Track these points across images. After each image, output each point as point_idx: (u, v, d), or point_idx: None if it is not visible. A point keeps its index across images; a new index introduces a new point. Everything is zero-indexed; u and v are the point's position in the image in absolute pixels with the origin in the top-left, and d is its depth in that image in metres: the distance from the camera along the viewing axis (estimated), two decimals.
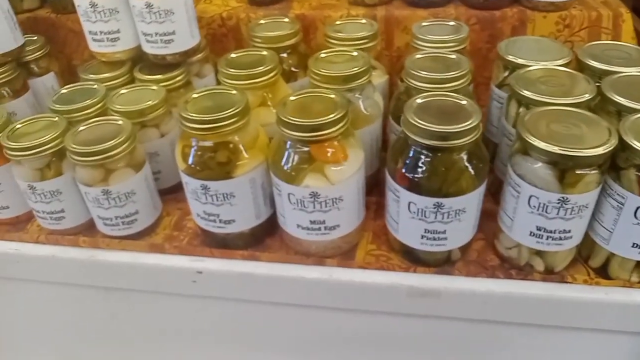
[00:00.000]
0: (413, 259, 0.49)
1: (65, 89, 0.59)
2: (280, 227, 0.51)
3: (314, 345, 0.57)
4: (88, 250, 0.54)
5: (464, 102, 0.44)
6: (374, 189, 0.57)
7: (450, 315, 0.49)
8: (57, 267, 0.55)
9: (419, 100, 0.45)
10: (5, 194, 0.55)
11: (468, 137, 0.41)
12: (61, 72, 0.74)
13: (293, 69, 0.62)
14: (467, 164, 0.43)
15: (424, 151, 0.43)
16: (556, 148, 0.39)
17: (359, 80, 0.50)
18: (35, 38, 0.71)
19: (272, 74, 0.52)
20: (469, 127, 0.41)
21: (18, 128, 0.52)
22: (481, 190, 0.44)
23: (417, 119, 0.42)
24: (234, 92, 0.49)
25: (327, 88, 0.48)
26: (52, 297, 0.59)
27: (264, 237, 0.53)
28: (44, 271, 0.56)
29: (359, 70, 0.50)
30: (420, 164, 0.43)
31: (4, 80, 0.64)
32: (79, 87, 0.60)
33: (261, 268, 0.50)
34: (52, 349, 0.67)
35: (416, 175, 0.43)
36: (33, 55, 0.69)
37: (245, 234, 0.51)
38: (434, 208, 0.44)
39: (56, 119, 0.53)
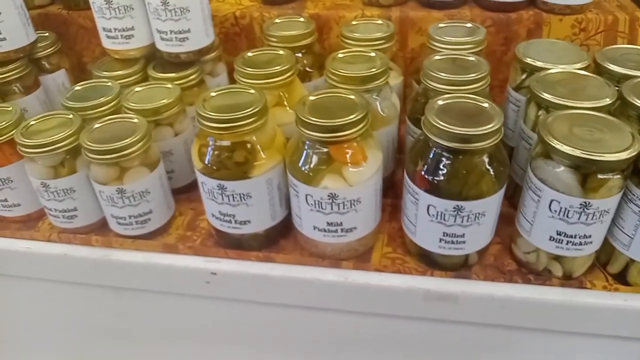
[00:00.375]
0: (429, 263, 0.49)
1: (79, 86, 0.59)
2: (295, 228, 0.51)
3: (328, 348, 0.57)
4: (101, 249, 0.53)
5: (485, 105, 0.44)
6: (388, 191, 0.57)
7: (467, 319, 0.49)
8: (69, 267, 0.54)
9: (440, 102, 0.44)
10: (17, 192, 0.55)
11: (490, 140, 0.41)
12: (72, 69, 0.74)
13: (308, 69, 0.62)
14: (488, 166, 0.42)
15: (444, 153, 0.42)
16: (580, 152, 0.39)
17: (377, 81, 0.50)
18: (47, 34, 0.70)
19: (289, 74, 0.52)
20: (491, 129, 0.40)
21: (32, 125, 0.52)
22: (501, 193, 0.44)
23: (438, 121, 0.41)
24: (252, 91, 0.48)
25: (344, 88, 0.48)
26: (63, 297, 0.59)
27: (278, 239, 0.52)
28: (55, 270, 0.56)
29: (377, 71, 0.49)
30: (440, 167, 0.42)
31: (15, 76, 0.64)
32: (92, 84, 0.59)
33: (276, 270, 0.50)
34: (62, 348, 0.66)
35: (436, 178, 0.43)
36: (44, 52, 0.69)
37: (259, 235, 0.51)
38: (454, 211, 0.43)
39: (70, 116, 0.53)
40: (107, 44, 0.63)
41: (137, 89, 0.57)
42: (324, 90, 0.48)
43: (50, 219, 0.55)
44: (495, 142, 0.41)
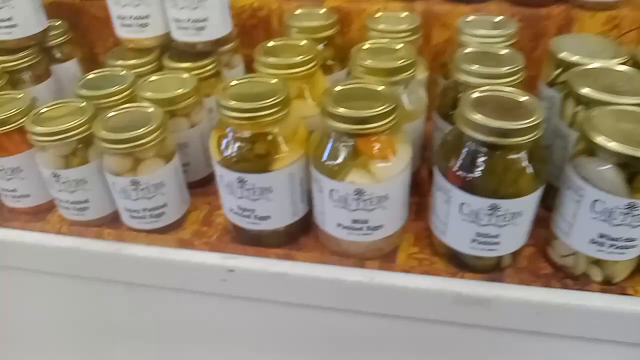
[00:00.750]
0: (459, 264, 0.46)
1: (92, 74, 0.57)
2: (316, 225, 0.48)
3: (349, 350, 0.54)
4: (113, 243, 0.51)
5: (524, 98, 0.41)
6: (413, 188, 0.54)
7: (499, 325, 0.46)
8: (80, 260, 0.52)
9: (475, 95, 0.42)
10: (27, 182, 0.53)
11: (530, 135, 0.38)
12: (83, 59, 0.72)
13: (329, 61, 0.59)
14: (527, 163, 0.40)
15: (480, 149, 0.40)
16: (630, 149, 0.36)
17: (405, 74, 0.47)
18: (59, 23, 0.68)
19: (312, 64, 0.49)
20: (531, 124, 0.38)
21: (43, 112, 0.50)
22: (540, 192, 0.41)
23: (474, 114, 0.39)
24: (274, 80, 0.46)
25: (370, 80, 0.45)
26: (73, 291, 0.56)
27: (299, 236, 0.50)
28: (65, 264, 0.53)
29: (405, 63, 0.47)
30: (476, 163, 0.40)
31: (26, 64, 0.62)
32: (106, 72, 0.57)
33: (297, 268, 0.48)
34: (70, 343, 0.64)
35: (471, 175, 0.40)
36: (56, 41, 0.67)
37: (279, 232, 0.49)
38: (489, 210, 0.41)
39: (83, 104, 0.51)
40: (121, 32, 0.61)
41: (152, 78, 0.55)
42: (350, 80, 0.45)
43: (60, 210, 0.53)
44: (536, 137, 0.38)
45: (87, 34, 0.74)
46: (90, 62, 0.74)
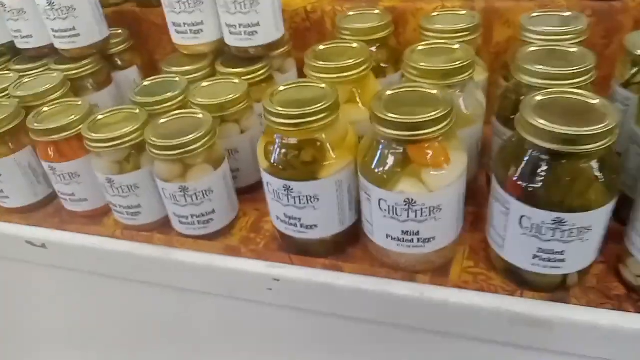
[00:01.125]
0: (519, 281, 0.43)
1: (148, 81, 0.58)
2: (366, 235, 0.46)
3: None
4: (162, 248, 0.52)
5: (595, 101, 0.37)
6: (470, 198, 0.51)
7: (563, 350, 0.42)
8: (132, 264, 0.53)
9: (538, 98, 0.38)
10: (84, 186, 0.54)
11: (602, 142, 0.34)
12: (144, 66, 0.74)
13: (382, 64, 0.57)
14: (598, 173, 0.36)
15: (544, 157, 0.36)
16: None
17: (461, 76, 0.45)
18: (120, 31, 0.71)
19: (363, 67, 0.48)
20: (604, 129, 0.34)
21: (99, 119, 0.51)
22: (612, 205, 0.37)
23: (537, 119, 0.36)
24: (323, 85, 0.44)
25: (424, 83, 0.43)
26: (125, 294, 0.58)
27: (346, 246, 0.48)
28: (118, 267, 0.55)
29: (462, 64, 0.44)
30: (538, 172, 0.37)
31: (88, 72, 0.65)
32: (160, 79, 0.58)
33: (344, 279, 0.46)
34: (117, 345, 0.66)
35: (533, 185, 0.37)
36: (117, 49, 0.69)
37: (326, 241, 0.47)
38: (553, 224, 0.37)
39: (137, 111, 0.52)
40: (176, 39, 0.62)
41: (204, 84, 0.56)
42: (402, 84, 0.43)
43: (115, 215, 0.54)
44: (609, 144, 0.35)
45: (147, 42, 0.76)
46: (150, 68, 0.76)
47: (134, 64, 0.72)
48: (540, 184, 0.37)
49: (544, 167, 0.36)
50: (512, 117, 0.40)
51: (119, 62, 0.71)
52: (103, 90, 0.67)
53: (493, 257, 0.44)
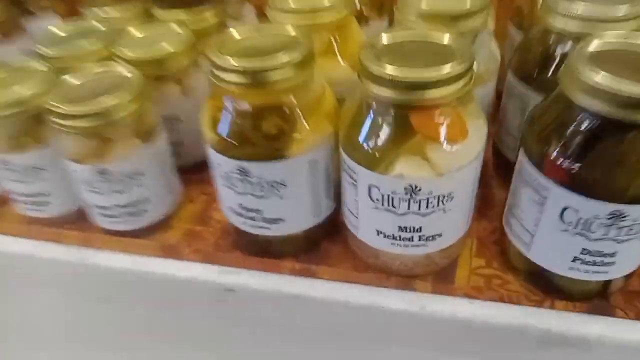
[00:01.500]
0: (546, 287, 0.33)
1: (58, 28, 0.45)
2: (348, 230, 0.36)
3: None
4: (76, 249, 0.39)
5: None
6: None
7: None
8: (37, 267, 0.41)
9: (593, 47, 0.28)
10: None
11: None
12: (66, 13, 0.61)
13: (363, 8, 0.46)
14: None
15: (599, 128, 0.26)
16: None
17: (474, 21, 0.34)
18: None
19: (344, 9, 0.36)
20: None
21: None
22: None
23: (595, 75, 0.25)
24: (292, 32, 0.33)
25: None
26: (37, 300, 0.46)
27: (321, 243, 0.38)
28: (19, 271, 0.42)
29: (477, 7, 0.34)
30: (593, 149, 0.27)
31: None
32: (76, 26, 0.46)
33: (319, 289, 0.35)
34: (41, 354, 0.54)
35: (585, 167, 0.27)
36: None
37: (295, 238, 0.36)
38: (609, 219, 0.27)
39: (43, 68, 0.39)
40: None
41: (135, 32, 0.43)
42: (401, 29, 0.32)
43: (15, 205, 0.41)
44: None
45: None
46: (74, 16, 0.62)
47: (51, 10, 0.58)
48: (596, 166, 0.26)
49: (603, 142, 0.26)
50: (537, 74, 0.33)
51: (33, 8, 0.57)
52: (10, 42, 0.54)
53: (512, 256, 0.35)
